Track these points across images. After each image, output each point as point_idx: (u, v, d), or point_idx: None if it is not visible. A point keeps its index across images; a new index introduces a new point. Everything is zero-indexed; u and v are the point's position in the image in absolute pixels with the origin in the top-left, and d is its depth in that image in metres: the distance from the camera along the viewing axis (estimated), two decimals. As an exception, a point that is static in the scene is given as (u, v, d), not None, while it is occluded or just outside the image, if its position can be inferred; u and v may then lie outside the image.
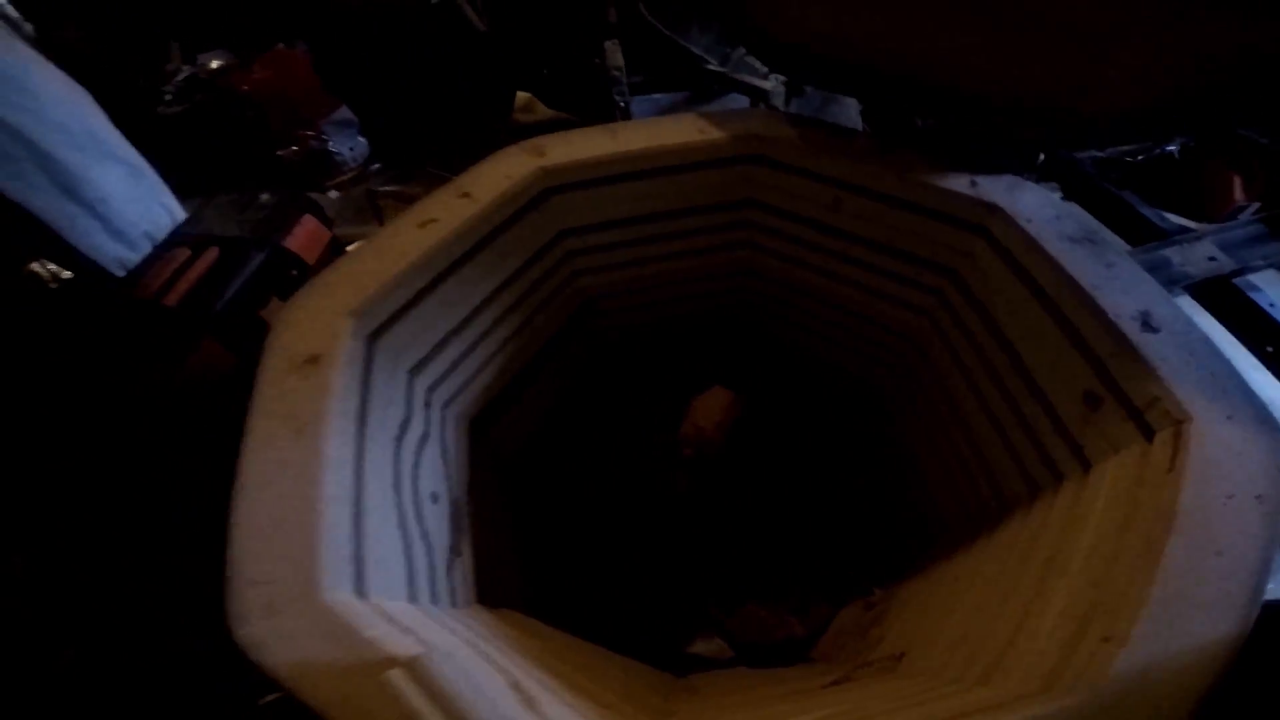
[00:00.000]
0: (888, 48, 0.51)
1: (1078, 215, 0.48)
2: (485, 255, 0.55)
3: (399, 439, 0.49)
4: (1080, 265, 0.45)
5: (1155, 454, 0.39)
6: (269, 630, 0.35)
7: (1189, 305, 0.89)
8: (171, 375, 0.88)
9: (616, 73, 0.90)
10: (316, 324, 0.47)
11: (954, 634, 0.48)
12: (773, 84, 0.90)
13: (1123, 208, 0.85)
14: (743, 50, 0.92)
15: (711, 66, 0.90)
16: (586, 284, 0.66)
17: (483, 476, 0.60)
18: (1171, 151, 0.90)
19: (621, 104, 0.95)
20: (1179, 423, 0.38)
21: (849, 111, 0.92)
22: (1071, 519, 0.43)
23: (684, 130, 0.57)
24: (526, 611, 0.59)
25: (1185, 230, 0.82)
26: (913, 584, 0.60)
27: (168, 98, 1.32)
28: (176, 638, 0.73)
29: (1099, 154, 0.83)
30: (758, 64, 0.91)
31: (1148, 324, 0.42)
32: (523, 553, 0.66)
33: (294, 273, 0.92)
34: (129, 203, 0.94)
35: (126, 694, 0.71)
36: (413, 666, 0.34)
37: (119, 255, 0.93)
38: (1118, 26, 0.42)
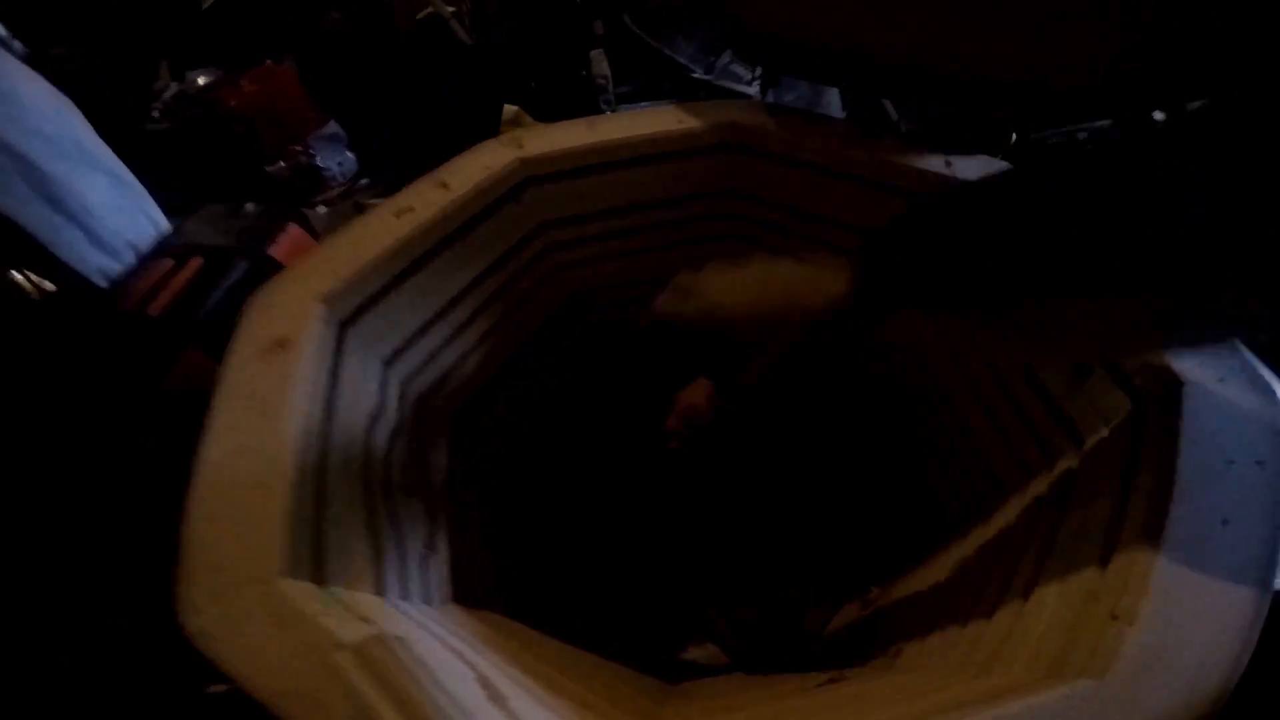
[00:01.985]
0: (855, 31, 0.51)
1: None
2: (462, 245, 0.54)
3: (369, 429, 0.47)
4: (1061, 239, 0.44)
5: (1148, 422, 0.37)
6: (218, 617, 0.33)
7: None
8: (155, 385, 0.86)
9: (602, 81, 0.90)
10: (287, 309, 0.45)
11: (950, 627, 0.46)
12: (756, 91, 0.91)
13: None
14: (727, 59, 0.93)
15: (697, 75, 0.91)
16: (569, 279, 0.64)
17: (464, 474, 0.58)
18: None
19: (608, 113, 0.95)
20: (1170, 387, 0.37)
21: (834, 107, 0.92)
22: (1067, 497, 0.42)
23: (662, 120, 0.56)
24: (510, 616, 0.56)
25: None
26: (908, 580, 0.58)
27: (155, 115, 1.32)
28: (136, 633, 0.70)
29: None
30: (742, 71, 0.92)
31: (1132, 292, 0.41)
32: (506, 554, 0.63)
33: (278, 280, 0.91)
34: (113, 213, 0.93)
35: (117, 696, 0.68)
36: (362, 651, 0.31)
37: (102, 265, 0.92)
38: (1071, 4, 0.41)
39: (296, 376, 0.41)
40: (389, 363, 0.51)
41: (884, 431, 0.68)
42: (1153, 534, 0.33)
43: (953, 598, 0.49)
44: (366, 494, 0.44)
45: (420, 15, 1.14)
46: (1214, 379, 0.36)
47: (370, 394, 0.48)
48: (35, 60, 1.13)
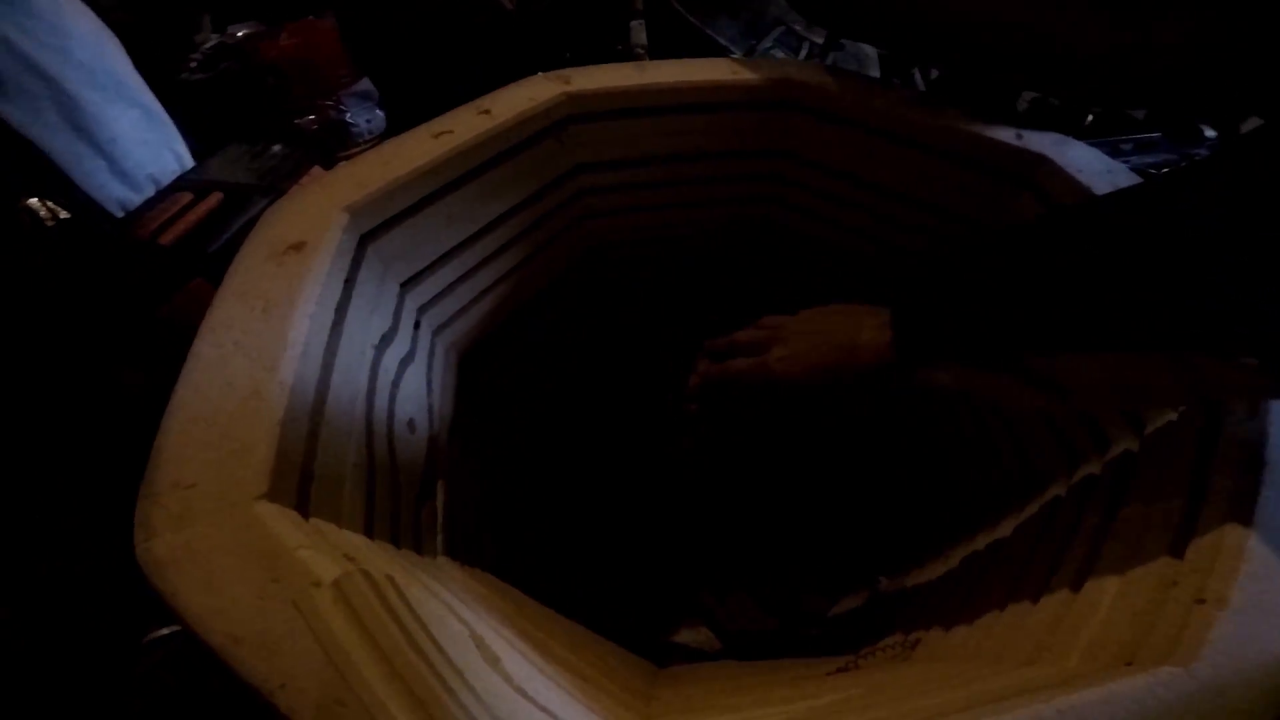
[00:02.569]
0: (933, 2, 0.46)
1: (1128, 171, 0.42)
2: (496, 174, 0.48)
3: (380, 348, 0.41)
4: (1136, 216, 0.39)
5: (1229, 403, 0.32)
6: (177, 544, 0.26)
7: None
8: (158, 311, 0.80)
9: (640, 51, 0.85)
10: (307, 214, 0.39)
11: (981, 618, 0.40)
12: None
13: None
14: (769, 43, 0.88)
15: (737, 57, 0.86)
16: (597, 228, 0.58)
17: (468, 420, 0.52)
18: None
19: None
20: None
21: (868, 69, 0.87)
22: (1126, 481, 0.36)
23: (717, 70, 0.51)
24: (500, 577, 0.50)
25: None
26: (923, 569, 0.52)
27: (193, 65, 1.28)
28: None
29: (1125, 163, 0.79)
30: (782, 55, 0.87)
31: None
32: (503, 512, 0.57)
33: (298, 220, 0.86)
34: (138, 145, 0.88)
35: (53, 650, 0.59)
36: (341, 588, 0.25)
37: (120, 196, 0.87)
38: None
39: (309, 278, 0.35)
40: (406, 286, 0.45)
41: (906, 416, 0.62)
42: (1241, 518, 0.28)
43: (981, 588, 0.43)
44: (369, 419, 0.38)
45: (465, -21, 1.08)
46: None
47: (384, 314, 0.42)
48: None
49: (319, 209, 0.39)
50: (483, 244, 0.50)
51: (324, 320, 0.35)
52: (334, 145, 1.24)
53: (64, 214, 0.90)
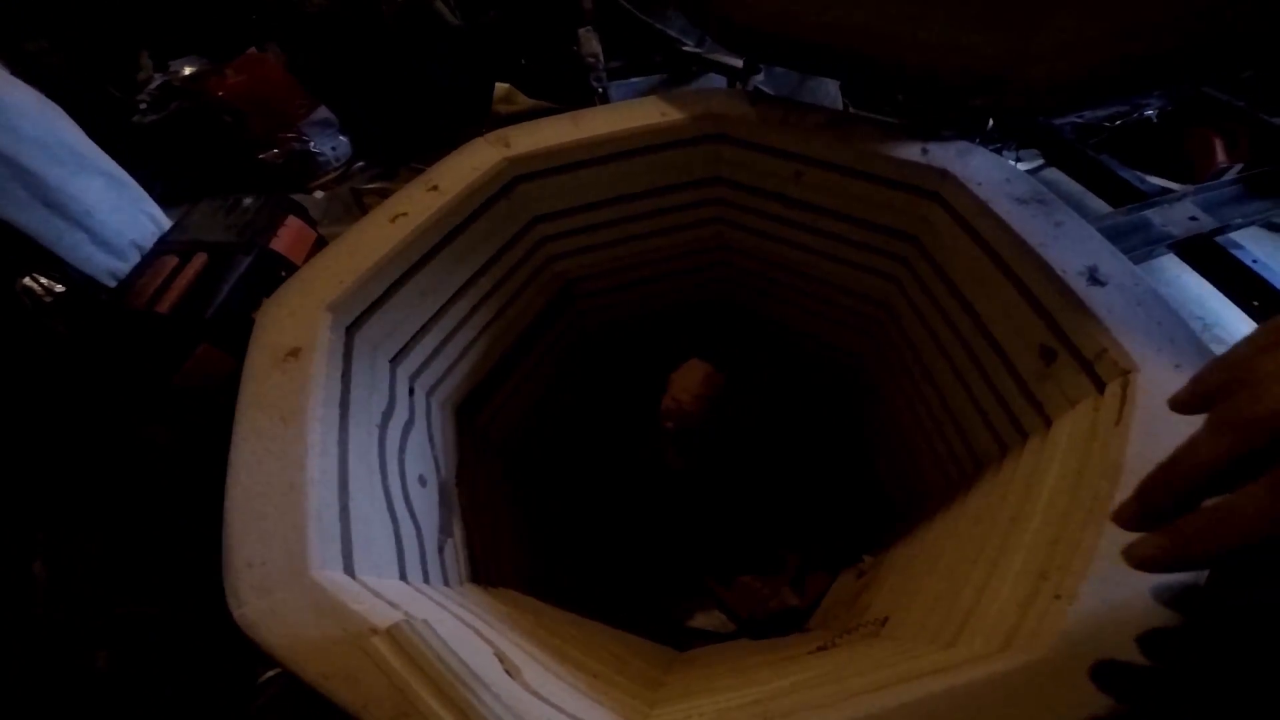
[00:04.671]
0: (833, 24, 0.53)
1: (1026, 178, 0.51)
2: (457, 245, 0.57)
3: (383, 426, 0.52)
4: (1028, 224, 0.47)
5: (1106, 406, 0.41)
6: (263, 609, 0.38)
7: (1174, 264, 0.91)
8: (168, 380, 0.91)
9: (592, 59, 0.92)
10: (296, 319, 0.49)
11: (930, 597, 0.50)
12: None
13: (1102, 171, 0.88)
14: (716, 30, 0.94)
15: (688, 48, 0.93)
16: (563, 268, 0.68)
17: (473, 460, 0.63)
18: (1149, 116, 0.92)
19: (600, 90, 0.97)
20: (1126, 373, 0.40)
21: (826, 86, 0.94)
22: (1033, 476, 0.45)
23: (645, 113, 0.59)
24: (525, 591, 0.62)
25: (1166, 191, 0.85)
26: (898, 550, 0.63)
27: (142, 106, 1.34)
28: (182, 623, 0.77)
29: (1078, 120, 0.85)
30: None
31: (1095, 278, 0.44)
32: (518, 534, 0.69)
33: (283, 274, 0.95)
34: (113, 213, 0.96)
35: (159, 688, 0.75)
36: (393, 635, 0.36)
37: (109, 266, 0.96)
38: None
39: (311, 384, 0.46)
40: (395, 361, 0.56)
41: (874, 408, 0.72)
42: (1098, 517, 0.36)
43: (933, 569, 0.53)
44: (385, 487, 0.49)
45: (404, -3, 1.14)
46: (1169, 365, 0.40)
47: (381, 393, 0.53)
48: (9, 56, 1.14)
49: (305, 311, 0.50)
50: (458, 307, 0.60)
51: (331, 418, 0.46)
52: (303, 177, 1.33)
53: (59, 288, 0.99)
